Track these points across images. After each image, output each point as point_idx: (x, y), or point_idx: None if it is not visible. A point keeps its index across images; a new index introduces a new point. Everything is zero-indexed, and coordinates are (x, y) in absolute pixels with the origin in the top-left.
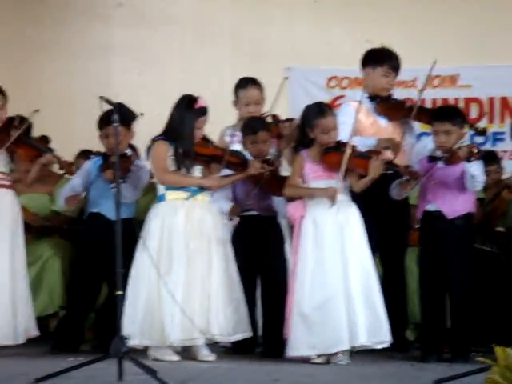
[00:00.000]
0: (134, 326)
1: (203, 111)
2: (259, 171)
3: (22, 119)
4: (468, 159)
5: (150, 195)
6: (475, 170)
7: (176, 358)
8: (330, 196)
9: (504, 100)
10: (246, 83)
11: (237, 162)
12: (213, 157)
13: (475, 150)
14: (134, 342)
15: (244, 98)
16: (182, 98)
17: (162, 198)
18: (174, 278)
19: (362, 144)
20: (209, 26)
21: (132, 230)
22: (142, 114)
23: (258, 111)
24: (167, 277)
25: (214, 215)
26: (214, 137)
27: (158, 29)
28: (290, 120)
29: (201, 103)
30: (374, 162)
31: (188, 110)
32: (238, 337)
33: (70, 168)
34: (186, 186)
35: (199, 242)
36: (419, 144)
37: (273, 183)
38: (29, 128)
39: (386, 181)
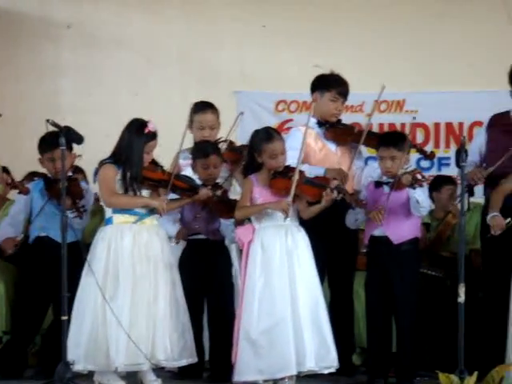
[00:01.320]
0: (78, 350)
1: (153, 136)
2: (207, 197)
3: None
4: (412, 186)
5: (97, 218)
6: (419, 196)
7: (122, 383)
8: (283, 208)
9: (449, 125)
10: (202, 107)
11: (184, 187)
12: (160, 181)
13: (419, 176)
14: (78, 366)
15: (199, 123)
16: (132, 121)
17: (109, 221)
18: (120, 302)
19: (310, 173)
20: (158, 48)
21: (79, 253)
22: (79, 156)
23: (213, 136)
24: (113, 301)
25: (161, 239)
26: (162, 160)
27: (107, 51)
28: (244, 147)
29: (150, 128)
30: (328, 192)
31: (137, 134)
32: (183, 362)
33: (23, 187)
34: (133, 206)
35: (146, 266)
36: (369, 168)
37: (221, 206)
38: None
39: (334, 205)
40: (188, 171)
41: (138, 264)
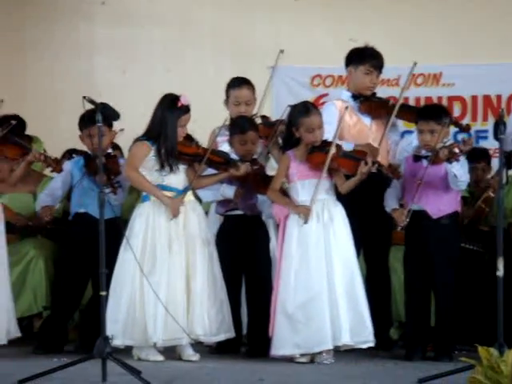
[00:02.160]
0: (116, 325)
1: (186, 109)
2: (245, 173)
3: (6, 118)
4: (449, 160)
5: (135, 194)
6: (457, 170)
7: (160, 357)
8: (302, 213)
9: (487, 98)
10: (238, 83)
11: (220, 161)
12: (195, 155)
13: (456, 150)
14: (116, 341)
15: (235, 98)
16: (164, 96)
17: (146, 198)
18: (157, 278)
19: None
20: (191, 24)
21: (117, 229)
22: (121, 130)
23: (249, 111)
24: (150, 276)
25: (198, 215)
26: (198, 136)
27: (141, 27)
28: (279, 122)
29: (183, 101)
30: (363, 165)
31: (170, 108)
32: (221, 337)
33: (57, 166)
34: (146, 191)
35: (183, 242)
36: (404, 141)
37: (258, 182)
38: (23, 126)
39: (371, 180)
40: (225, 147)
41: (175, 240)
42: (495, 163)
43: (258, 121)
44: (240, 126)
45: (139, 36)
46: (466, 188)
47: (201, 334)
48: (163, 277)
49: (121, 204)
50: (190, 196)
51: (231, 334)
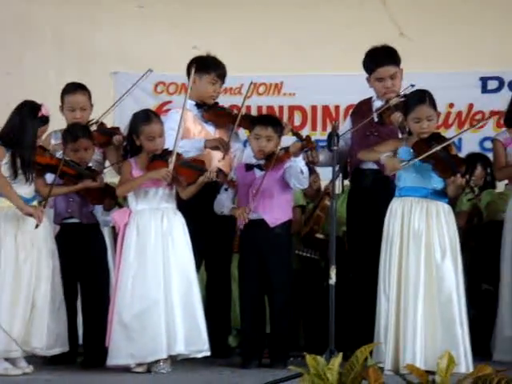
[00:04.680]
0: None
1: (46, 120)
2: (95, 186)
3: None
4: (297, 154)
5: None
6: (303, 166)
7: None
8: (163, 175)
9: (326, 108)
10: (73, 88)
11: (72, 174)
12: (48, 166)
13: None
14: None
15: (69, 104)
16: (24, 103)
17: None
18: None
19: (191, 146)
20: (32, 27)
21: None
22: None
23: (85, 117)
24: None
25: (45, 226)
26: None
27: None
28: (116, 129)
29: (44, 112)
30: (202, 176)
31: (31, 117)
32: (57, 351)
33: None
34: (6, 196)
35: (29, 252)
36: (249, 150)
37: (95, 191)
38: None
39: (211, 188)
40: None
41: (21, 250)
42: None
43: (95, 127)
44: (71, 133)
45: None
46: (301, 197)
47: (38, 346)
48: (6, 289)
49: None
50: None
51: (66, 348)
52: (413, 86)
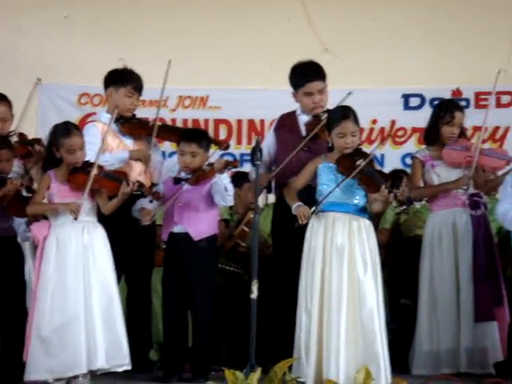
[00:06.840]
0: None
1: None
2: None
3: None
4: (222, 171)
5: None
6: (228, 183)
7: None
8: (71, 209)
9: (251, 122)
10: None
11: None
12: None
13: (229, 162)
14: None
15: None
16: None
17: None
18: None
19: (115, 159)
20: None
21: None
22: None
23: (5, 128)
24: None
25: None
26: None
27: None
28: (36, 140)
29: None
30: (125, 186)
31: None
32: None
33: None
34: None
35: None
36: (169, 162)
37: (14, 204)
38: None
39: (132, 202)
40: None
41: None
42: None
43: (15, 138)
44: None
45: None
46: (226, 210)
47: None
48: None
49: None
50: None
51: None
52: (350, 93)
